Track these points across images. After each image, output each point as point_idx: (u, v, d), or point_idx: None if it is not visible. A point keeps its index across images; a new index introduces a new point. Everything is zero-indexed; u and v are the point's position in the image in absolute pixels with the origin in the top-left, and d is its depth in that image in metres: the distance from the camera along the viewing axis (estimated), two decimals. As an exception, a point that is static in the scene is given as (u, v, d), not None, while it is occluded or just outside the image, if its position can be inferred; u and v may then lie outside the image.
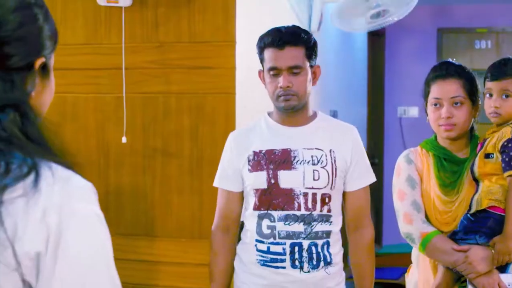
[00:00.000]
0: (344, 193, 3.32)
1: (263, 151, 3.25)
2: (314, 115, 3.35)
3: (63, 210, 1.37)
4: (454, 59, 3.43)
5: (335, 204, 3.26)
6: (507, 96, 3.15)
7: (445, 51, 9.11)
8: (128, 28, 4.31)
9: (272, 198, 3.20)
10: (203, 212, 4.21)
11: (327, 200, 3.21)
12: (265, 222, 3.22)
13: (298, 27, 3.29)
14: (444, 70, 3.29)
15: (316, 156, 3.22)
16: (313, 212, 3.19)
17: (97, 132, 4.42)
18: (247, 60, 4.23)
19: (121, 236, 4.32)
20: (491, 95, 3.19)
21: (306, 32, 3.26)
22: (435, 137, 3.38)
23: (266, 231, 3.22)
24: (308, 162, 3.20)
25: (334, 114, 6.49)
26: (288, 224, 3.18)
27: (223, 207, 3.40)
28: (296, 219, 3.18)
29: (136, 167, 4.34)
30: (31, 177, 1.36)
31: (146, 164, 4.33)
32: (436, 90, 3.26)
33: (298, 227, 3.17)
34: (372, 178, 3.37)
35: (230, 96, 4.14)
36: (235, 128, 4.12)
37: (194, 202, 4.23)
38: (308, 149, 3.23)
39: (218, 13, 4.16)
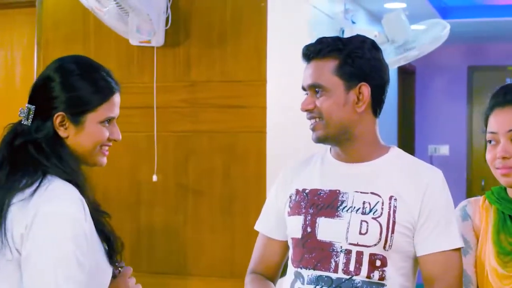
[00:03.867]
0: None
1: (306, 191, 2.50)
2: (385, 150, 2.52)
3: (38, 210, 2.05)
4: None
5: (396, 271, 2.40)
6: None
7: (476, 89, 9.10)
8: (160, 67, 4.35)
9: (305, 252, 2.44)
10: (235, 251, 4.20)
11: (378, 263, 2.37)
12: (297, 284, 2.45)
13: (352, 37, 2.51)
14: (501, 96, 2.46)
15: (370, 203, 2.40)
16: (354, 277, 2.36)
17: (129, 171, 4.44)
18: (278, 99, 4.25)
19: (153, 275, 4.33)
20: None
21: (348, 41, 2.46)
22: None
23: None
24: (357, 210, 2.40)
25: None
26: None
27: (260, 254, 2.68)
28: (330, 283, 2.38)
29: (167, 206, 4.35)
30: (33, 188, 2.09)
31: (177, 203, 4.33)
32: (492, 122, 2.44)
33: None
34: (454, 243, 2.41)
35: (261, 135, 4.15)
36: (266, 167, 4.12)
37: (225, 241, 4.23)
38: (361, 192, 2.42)
39: (250, 53, 4.18)
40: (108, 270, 2.21)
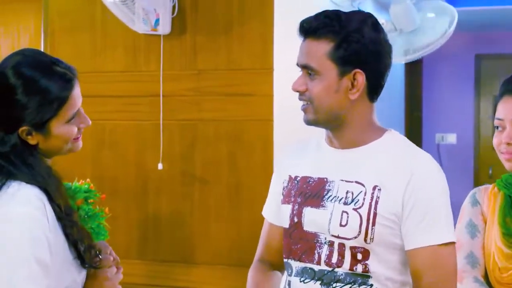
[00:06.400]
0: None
1: (298, 178, 2.39)
2: (379, 135, 2.36)
3: None
4: None
5: (381, 265, 2.24)
6: None
7: (483, 77, 9.06)
8: (167, 56, 4.34)
9: (292, 243, 2.35)
10: (241, 239, 4.20)
11: (359, 256, 2.23)
12: (286, 276, 2.39)
13: (353, 16, 2.29)
14: (511, 83, 2.50)
15: (352, 193, 2.25)
16: (336, 269, 2.24)
17: (135, 159, 4.44)
18: (284, 87, 4.23)
19: (159, 263, 4.33)
20: None
21: (347, 21, 2.25)
22: None
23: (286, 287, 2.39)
24: (340, 200, 2.26)
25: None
26: (303, 281, 2.31)
27: (264, 240, 2.59)
28: (313, 275, 2.29)
29: (174, 194, 4.35)
30: None
31: (184, 191, 4.33)
32: (500, 108, 2.49)
33: (314, 287, 2.29)
34: (443, 237, 2.20)
35: (268, 123, 4.14)
36: (273, 155, 4.11)
37: (232, 229, 4.23)
38: (346, 181, 2.28)
39: (256, 40, 4.17)
40: (74, 272, 2.17)
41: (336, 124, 2.31)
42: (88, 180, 3.90)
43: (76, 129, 2.21)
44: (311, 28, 2.27)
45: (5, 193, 2.07)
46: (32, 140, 2.15)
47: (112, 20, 4.35)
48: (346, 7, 5.33)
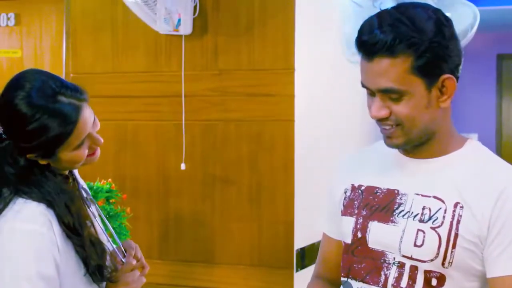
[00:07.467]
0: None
1: (362, 187, 2.16)
2: (460, 144, 2.13)
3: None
4: None
5: None
6: None
7: (505, 77, 9.03)
8: (188, 56, 4.34)
9: (354, 261, 2.11)
10: (262, 239, 4.19)
11: (434, 282, 1.97)
12: None
13: (411, 14, 1.96)
14: None
15: (430, 209, 1.99)
16: None
17: (156, 159, 4.44)
18: (306, 87, 4.23)
19: (180, 263, 4.33)
20: None
21: (421, 27, 1.93)
22: None
23: None
24: (414, 216, 2.01)
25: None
26: None
27: (321, 254, 2.39)
28: None
29: (195, 194, 4.36)
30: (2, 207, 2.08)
31: (205, 191, 4.33)
32: None
33: None
34: None
35: (289, 123, 4.13)
36: (294, 156, 4.10)
37: (253, 229, 4.22)
38: (422, 196, 2.03)
39: (278, 40, 4.17)
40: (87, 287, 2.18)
41: (426, 139, 2.07)
42: (110, 180, 3.91)
43: (85, 154, 2.21)
44: (386, 44, 1.93)
45: (11, 209, 2.09)
46: (42, 162, 2.18)
47: (134, 20, 4.35)
48: (367, 7, 5.31)
